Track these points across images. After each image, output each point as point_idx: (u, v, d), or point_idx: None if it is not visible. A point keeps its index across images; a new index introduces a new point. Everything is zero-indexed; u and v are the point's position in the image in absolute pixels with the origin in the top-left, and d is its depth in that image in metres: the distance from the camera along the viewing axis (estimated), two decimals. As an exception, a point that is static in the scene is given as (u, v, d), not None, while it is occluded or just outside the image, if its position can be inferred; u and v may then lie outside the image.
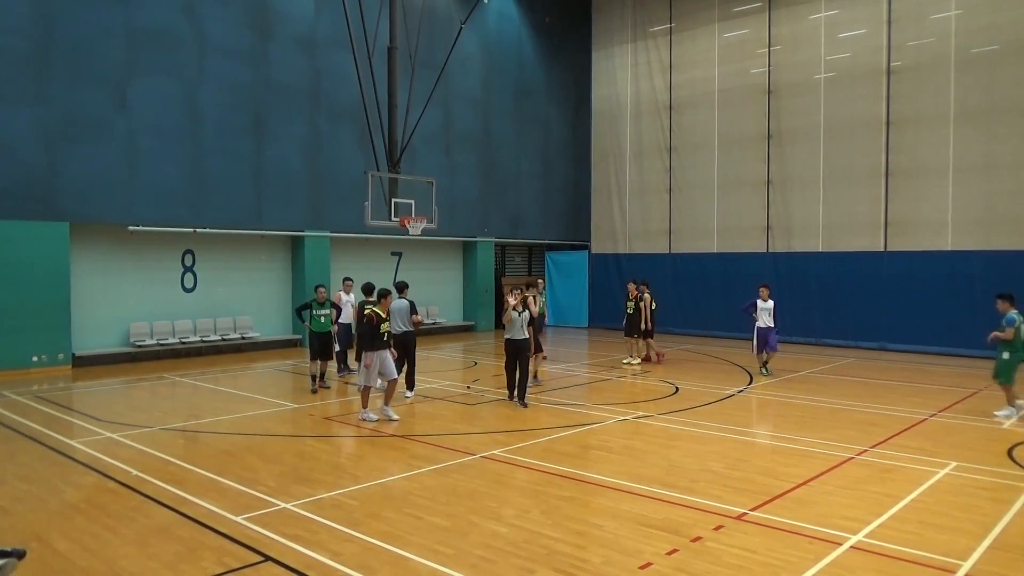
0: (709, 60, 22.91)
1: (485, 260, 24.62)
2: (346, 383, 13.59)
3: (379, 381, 10.50)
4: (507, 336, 11.50)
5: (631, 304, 16.32)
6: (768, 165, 21.51)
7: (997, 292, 11.59)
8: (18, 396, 12.43)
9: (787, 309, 20.17)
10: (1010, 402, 10.95)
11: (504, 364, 11.79)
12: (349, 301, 14.36)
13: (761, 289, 14.58)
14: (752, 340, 14.57)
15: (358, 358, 13.67)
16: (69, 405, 11.96)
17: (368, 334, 10.25)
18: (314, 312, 13.03)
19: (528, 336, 11.54)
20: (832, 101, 20.20)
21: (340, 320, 14.02)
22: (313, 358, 13.01)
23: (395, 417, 10.46)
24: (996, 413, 10.96)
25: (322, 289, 13.26)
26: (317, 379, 13.03)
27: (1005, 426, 10.26)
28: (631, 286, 16.67)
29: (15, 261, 14.60)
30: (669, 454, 8.80)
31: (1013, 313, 10.99)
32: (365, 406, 10.51)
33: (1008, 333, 10.75)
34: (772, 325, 14.34)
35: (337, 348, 14.13)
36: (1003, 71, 17.45)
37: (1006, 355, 10.84)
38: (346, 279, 14.93)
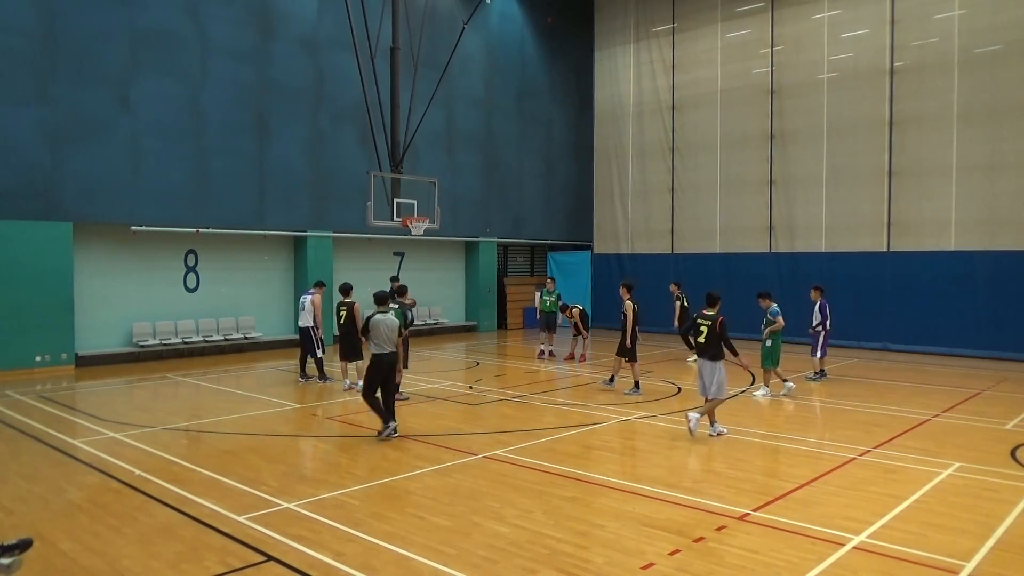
0: (712, 60, 22.89)
1: (487, 260, 24.62)
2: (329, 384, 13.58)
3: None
4: (373, 351, 9.48)
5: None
6: (771, 165, 21.48)
7: (757, 291, 12.92)
8: (21, 396, 12.46)
9: (790, 310, 20.09)
10: (782, 378, 12.52)
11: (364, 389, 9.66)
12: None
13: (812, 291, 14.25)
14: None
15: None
16: (72, 405, 11.98)
17: (721, 342, 9.46)
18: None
19: (397, 350, 9.55)
20: (835, 101, 20.18)
21: (300, 324, 13.71)
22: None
23: (724, 431, 9.54)
24: (782, 391, 12.35)
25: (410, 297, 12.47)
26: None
27: (1008, 427, 10.23)
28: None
29: (18, 261, 14.62)
30: (671, 454, 8.80)
31: (775, 306, 12.40)
32: (714, 420, 9.61)
33: (779, 323, 12.30)
34: (812, 326, 14.01)
35: (321, 352, 13.76)
36: (1006, 71, 17.41)
37: (769, 343, 12.35)
38: (320, 283, 14.47)
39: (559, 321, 17.77)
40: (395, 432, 9.36)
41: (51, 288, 15.06)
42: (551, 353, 17.44)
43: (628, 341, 12.48)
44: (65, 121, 15.18)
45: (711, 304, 9.78)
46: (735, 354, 9.55)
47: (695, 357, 16.63)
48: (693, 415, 9.47)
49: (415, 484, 7.48)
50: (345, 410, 11.52)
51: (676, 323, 17.14)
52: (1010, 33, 17.38)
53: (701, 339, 9.56)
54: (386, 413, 9.39)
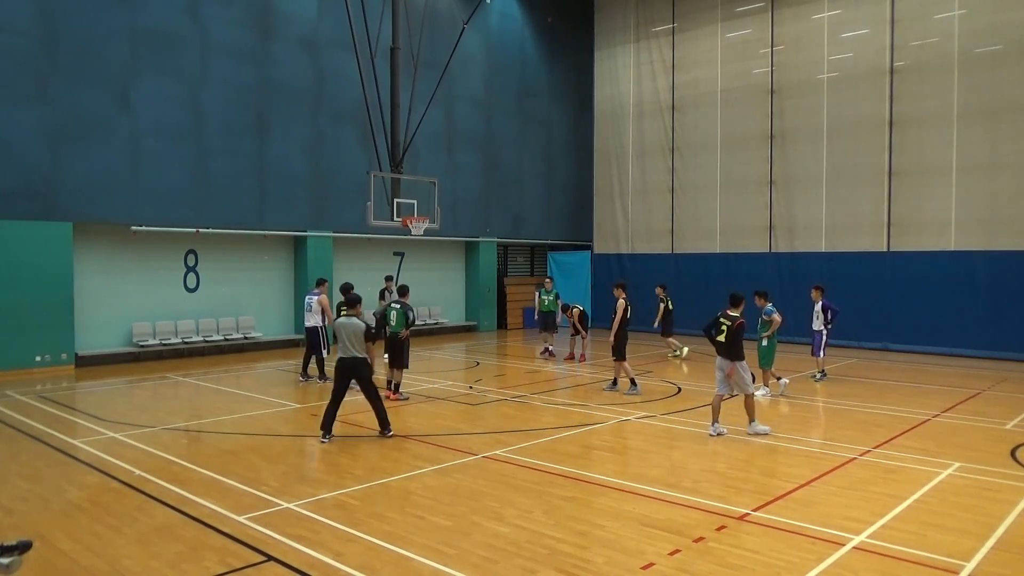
0: (712, 60, 22.89)
1: (487, 260, 24.62)
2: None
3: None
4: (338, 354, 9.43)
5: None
6: (771, 165, 21.48)
7: (755, 289, 12.53)
8: (21, 396, 12.46)
9: (790, 310, 20.17)
10: (776, 376, 12.47)
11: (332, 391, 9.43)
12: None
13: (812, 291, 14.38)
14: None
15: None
16: (72, 405, 11.98)
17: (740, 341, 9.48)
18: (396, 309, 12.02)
19: (366, 355, 9.32)
20: (835, 101, 20.17)
21: (307, 324, 13.48)
22: (392, 364, 12.11)
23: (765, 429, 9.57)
24: (779, 390, 12.37)
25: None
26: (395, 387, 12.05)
27: (1008, 427, 10.23)
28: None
29: (18, 261, 14.62)
30: (671, 454, 8.80)
31: (770, 306, 12.30)
32: (717, 419, 9.56)
33: (776, 320, 12.21)
34: (818, 328, 14.05)
35: (326, 353, 13.67)
36: (1006, 71, 17.40)
37: (765, 343, 12.26)
38: (322, 280, 14.27)
39: (558, 320, 17.88)
40: (389, 434, 9.36)
41: (51, 288, 15.06)
42: (551, 352, 17.51)
43: (613, 339, 12.45)
44: (65, 121, 15.18)
45: (735, 304, 9.81)
46: (740, 358, 9.50)
47: (677, 352, 17.04)
48: (752, 428, 9.53)
49: (415, 484, 7.48)
50: (345, 410, 11.51)
51: (656, 323, 17.74)
52: (1010, 33, 17.37)
53: (721, 338, 9.58)
54: (326, 424, 9.20)
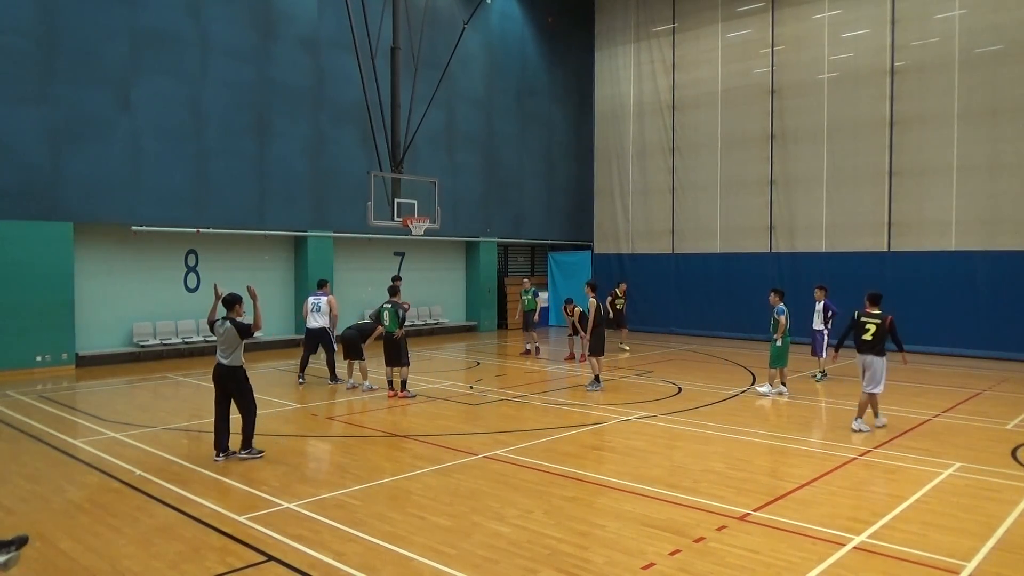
0: (712, 60, 22.89)
1: (488, 260, 24.63)
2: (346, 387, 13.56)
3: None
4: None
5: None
6: (771, 165, 21.47)
7: (772, 287, 12.99)
8: (22, 396, 12.46)
9: (790, 310, 20.16)
10: (782, 380, 12.56)
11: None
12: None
13: (815, 291, 14.51)
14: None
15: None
16: (72, 405, 11.98)
17: (887, 337, 9.77)
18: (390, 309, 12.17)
19: (240, 364, 8.51)
20: (836, 101, 20.17)
21: (314, 325, 13.25)
22: (389, 363, 12.23)
23: (881, 423, 9.93)
24: (775, 390, 12.49)
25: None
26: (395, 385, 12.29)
27: (1009, 427, 10.23)
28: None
29: (19, 261, 14.62)
30: (672, 454, 8.80)
31: (781, 305, 12.45)
32: (863, 416, 9.86)
33: (780, 323, 12.31)
34: (819, 328, 14.30)
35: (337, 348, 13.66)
36: (1007, 71, 17.40)
37: (780, 343, 12.34)
38: (323, 281, 14.14)
39: (534, 319, 18.16)
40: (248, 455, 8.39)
41: (51, 288, 15.06)
42: (529, 350, 18.00)
43: (588, 336, 13.10)
44: (65, 121, 15.18)
45: (874, 303, 10.20)
46: (901, 349, 10.08)
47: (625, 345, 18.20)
48: (880, 423, 9.87)
49: (415, 484, 7.48)
50: (346, 410, 11.53)
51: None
52: (1010, 33, 17.37)
53: (868, 336, 9.89)
54: (220, 442, 8.38)
